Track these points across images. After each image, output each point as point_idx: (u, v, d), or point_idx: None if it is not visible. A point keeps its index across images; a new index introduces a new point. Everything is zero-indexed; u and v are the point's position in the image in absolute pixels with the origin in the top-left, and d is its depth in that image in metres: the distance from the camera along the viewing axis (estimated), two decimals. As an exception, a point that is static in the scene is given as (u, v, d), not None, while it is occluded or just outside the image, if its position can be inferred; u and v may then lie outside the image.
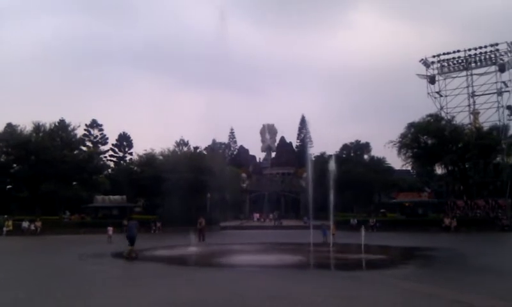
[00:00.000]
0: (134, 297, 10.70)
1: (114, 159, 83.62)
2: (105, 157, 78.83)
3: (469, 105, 52.75)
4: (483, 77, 52.06)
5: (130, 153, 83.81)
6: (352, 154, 76.12)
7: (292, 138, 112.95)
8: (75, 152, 57.53)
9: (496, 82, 50.90)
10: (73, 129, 58.65)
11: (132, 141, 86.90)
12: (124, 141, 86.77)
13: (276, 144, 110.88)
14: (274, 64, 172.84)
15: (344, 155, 73.63)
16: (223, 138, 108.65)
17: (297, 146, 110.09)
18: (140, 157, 61.97)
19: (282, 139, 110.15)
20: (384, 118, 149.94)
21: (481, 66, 52.29)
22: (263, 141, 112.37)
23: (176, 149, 71.31)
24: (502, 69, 50.49)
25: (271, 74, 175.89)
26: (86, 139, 77.23)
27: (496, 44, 50.05)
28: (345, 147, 76.66)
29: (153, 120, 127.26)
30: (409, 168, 64.83)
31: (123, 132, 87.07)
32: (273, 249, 25.80)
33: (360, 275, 15.34)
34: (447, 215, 45.17)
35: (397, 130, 57.87)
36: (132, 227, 20.11)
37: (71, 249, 24.95)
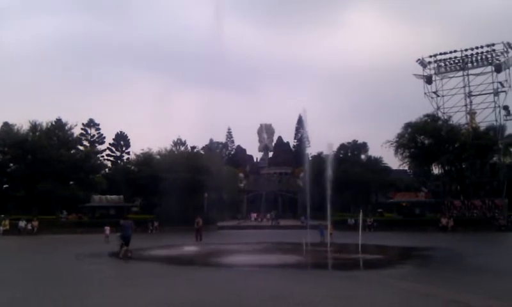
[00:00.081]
0: (131, 297, 10.68)
1: (111, 159, 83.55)
2: (102, 156, 78.88)
3: (466, 105, 52.96)
4: (480, 77, 52.34)
5: (128, 153, 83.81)
6: (349, 154, 76.15)
7: (290, 138, 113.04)
8: (72, 151, 57.28)
9: (492, 82, 51.17)
10: (70, 128, 58.55)
11: (129, 141, 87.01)
12: (121, 141, 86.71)
13: (273, 143, 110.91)
14: (272, 64, 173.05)
15: (341, 155, 73.59)
16: (220, 138, 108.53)
17: (294, 146, 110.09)
18: (137, 156, 61.81)
19: (279, 138, 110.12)
20: (382, 117, 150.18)
21: (478, 67, 52.47)
22: (260, 140, 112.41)
23: (174, 148, 71.23)
24: (498, 69, 50.68)
25: (269, 74, 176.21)
26: (83, 138, 77.17)
27: (493, 44, 50.23)
28: (342, 147, 76.66)
29: (150, 120, 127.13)
30: (406, 168, 65.10)
31: (120, 132, 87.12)
32: (271, 249, 25.80)
33: (357, 275, 15.36)
34: (444, 215, 45.29)
35: (394, 130, 57.99)
36: (126, 227, 20.00)
37: (68, 249, 24.87)
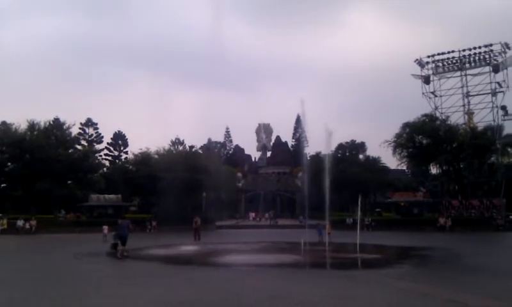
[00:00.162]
0: (129, 296, 10.66)
1: (110, 158, 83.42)
2: (101, 155, 78.75)
3: (463, 105, 53.08)
4: (477, 78, 52.44)
5: (126, 152, 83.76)
6: (347, 154, 76.23)
7: (288, 137, 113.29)
8: (70, 151, 57.23)
9: (490, 83, 51.24)
10: (68, 128, 58.48)
11: (128, 140, 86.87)
12: (119, 140, 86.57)
13: (271, 143, 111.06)
14: (272, 64, 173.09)
15: (339, 155, 73.71)
16: (219, 137, 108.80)
17: (292, 146, 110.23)
18: (135, 155, 61.84)
19: (278, 138, 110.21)
20: (380, 117, 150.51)
21: (475, 67, 52.59)
22: (258, 140, 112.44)
23: (172, 148, 71.29)
24: (496, 69, 50.77)
25: (269, 74, 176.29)
26: (81, 137, 76.99)
27: (491, 45, 50.33)
28: (340, 146, 76.76)
29: (148, 119, 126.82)
30: (405, 168, 65.17)
31: (119, 131, 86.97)
32: (269, 249, 25.82)
33: (355, 275, 15.38)
34: (442, 215, 45.38)
35: (392, 130, 58.11)
36: (123, 226, 19.98)
37: (66, 248, 24.82)
